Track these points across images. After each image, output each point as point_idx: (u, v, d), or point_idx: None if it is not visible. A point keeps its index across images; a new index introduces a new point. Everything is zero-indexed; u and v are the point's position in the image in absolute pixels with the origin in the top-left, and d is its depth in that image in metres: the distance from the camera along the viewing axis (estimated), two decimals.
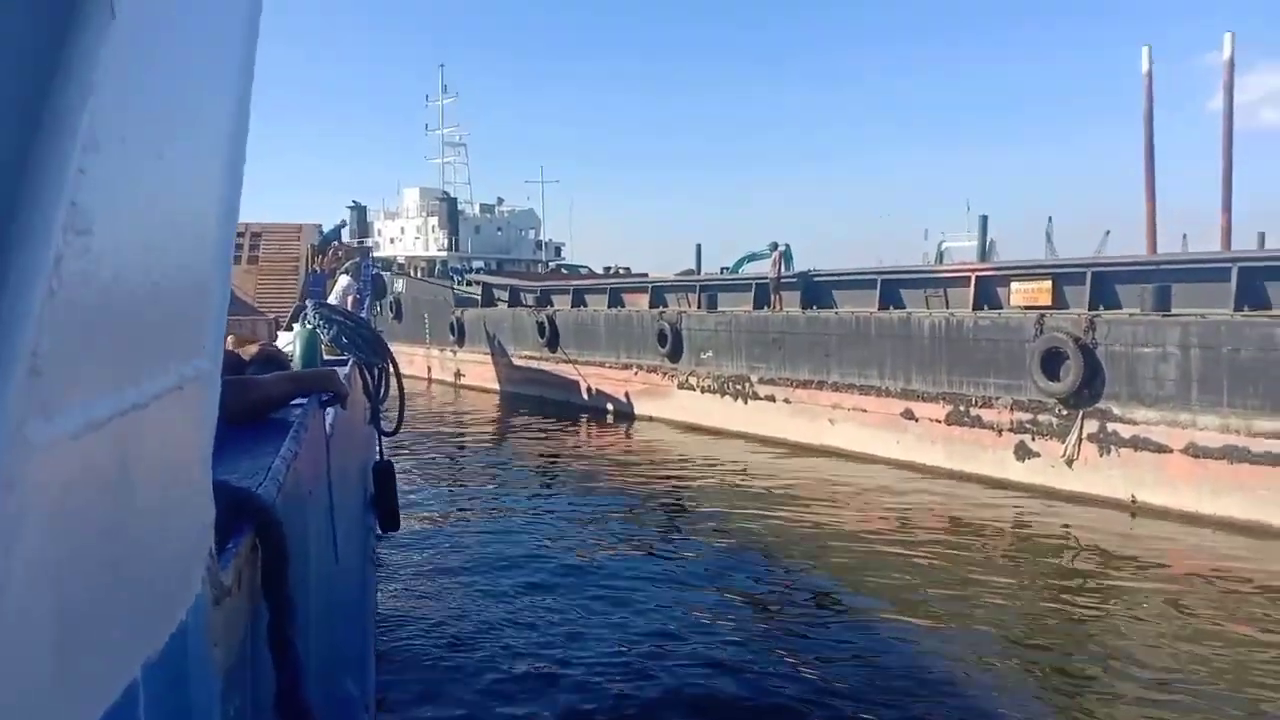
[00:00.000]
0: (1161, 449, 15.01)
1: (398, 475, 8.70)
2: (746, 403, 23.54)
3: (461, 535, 14.25)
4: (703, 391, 24.99)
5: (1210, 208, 24.07)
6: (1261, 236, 34.16)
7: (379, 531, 9.37)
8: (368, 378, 7.77)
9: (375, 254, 60.09)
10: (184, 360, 1.41)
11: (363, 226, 64.86)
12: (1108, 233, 62.43)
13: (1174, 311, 15.50)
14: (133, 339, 1.13)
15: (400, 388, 8.27)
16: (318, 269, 23.44)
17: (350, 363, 7.74)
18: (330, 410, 5.19)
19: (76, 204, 0.88)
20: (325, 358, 7.65)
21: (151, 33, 1.09)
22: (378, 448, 8.66)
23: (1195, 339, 14.65)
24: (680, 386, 25.84)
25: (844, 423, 20.74)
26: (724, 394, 24.27)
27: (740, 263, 42.68)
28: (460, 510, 16.22)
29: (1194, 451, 14.56)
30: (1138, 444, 15.37)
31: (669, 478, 19.08)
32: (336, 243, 29.29)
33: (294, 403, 4.57)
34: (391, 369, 8.23)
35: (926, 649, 9.51)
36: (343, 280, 16.46)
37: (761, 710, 8.15)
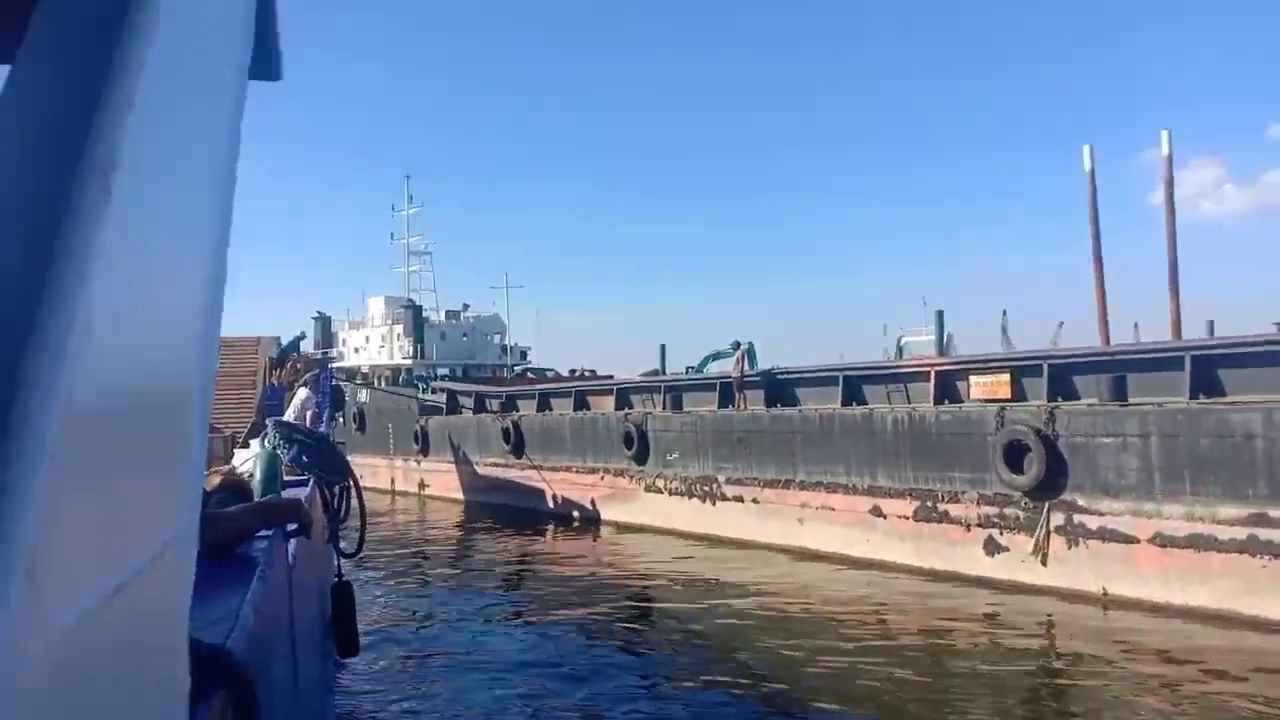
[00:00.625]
0: (1129, 539, 14.96)
1: (358, 594, 8.40)
2: (715, 504, 23.31)
3: (426, 659, 13.73)
4: (670, 494, 24.74)
5: (1159, 297, 24.66)
6: (1211, 324, 34.97)
7: (338, 657, 9.01)
8: (328, 496, 7.65)
9: (340, 364, 59.99)
10: (167, 523, 1.37)
11: (327, 337, 64.64)
12: (1061, 324, 63.73)
13: (1131, 401, 15.66)
14: (120, 506, 1.08)
15: (362, 507, 8.10)
16: (275, 382, 23.22)
17: (311, 482, 7.62)
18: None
19: (73, 392, 0.86)
20: (285, 478, 7.50)
21: (144, 201, 1.09)
22: (336, 565, 8.38)
23: (1154, 428, 14.78)
24: (648, 489, 25.58)
25: (813, 522, 20.54)
26: (692, 496, 24.04)
27: (705, 361, 42.91)
28: (424, 630, 15.70)
29: (1161, 541, 14.52)
30: (1105, 535, 15.32)
31: (638, 586, 18.68)
32: (295, 355, 29.16)
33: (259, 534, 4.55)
34: (353, 487, 8.11)
35: None
36: (301, 393, 16.28)
37: None
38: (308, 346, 60.74)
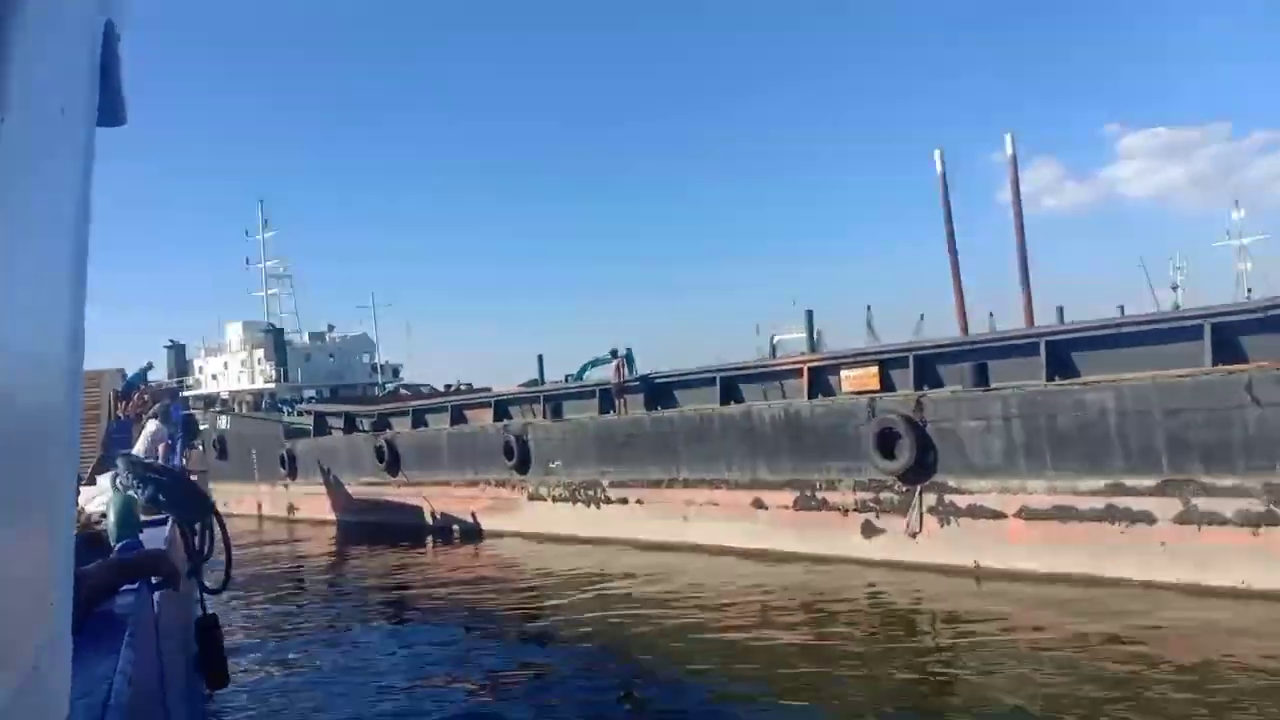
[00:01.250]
0: (997, 515, 15.75)
1: (226, 626, 8.00)
2: (600, 508, 23.30)
3: (303, 683, 13.14)
4: (554, 501, 24.59)
5: (1012, 286, 26.12)
6: (1060, 310, 37.26)
7: (206, 691, 8.55)
8: (189, 534, 7.28)
9: (198, 392, 57.28)
10: (42, 618, 1.33)
11: (181, 365, 61.58)
12: (922, 317, 66.57)
13: (993, 386, 16.51)
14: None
15: (227, 542, 7.70)
16: (122, 415, 22.00)
17: (170, 521, 7.25)
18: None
19: None
20: (143, 517, 7.11)
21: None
22: (199, 600, 7.93)
23: (1015, 409, 15.63)
24: (531, 498, 25.34)
25: (698, 518, 20.79)
26: (576, 501, 23.96)
27: (584, 369, 42.86)
28: (299, 655, 15.05)
29: (1026, 515, 15.35)
30: (975, 512, 16.08)
31: (526, 592, 18.47)
32: (143, 385, 27.63)
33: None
34: (216, 523, 7.76)
35: None
36: (151, 425, 15.30)
37: None
38: (159, 376, 57.82)
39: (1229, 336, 14.75)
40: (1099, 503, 14.48)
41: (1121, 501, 14.24)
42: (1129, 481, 14.19)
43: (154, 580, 4.81)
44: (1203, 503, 13.43)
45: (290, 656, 14.86)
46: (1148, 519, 13.94)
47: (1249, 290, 48.38)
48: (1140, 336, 16.15)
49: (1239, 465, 13.15)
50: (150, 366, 34.31)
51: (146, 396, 23.20)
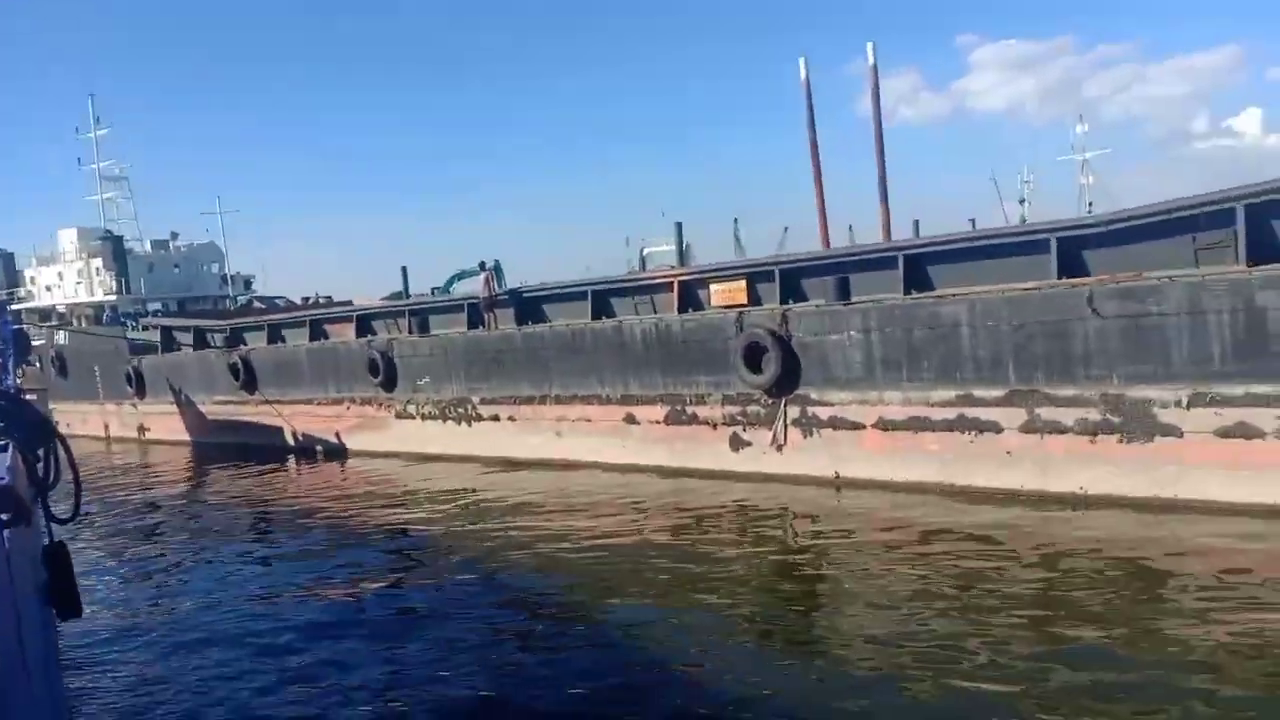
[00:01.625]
0: (856, 426, 16.35)
1: (76, 554, 7.58)
2: (470, 425, 23.04)
3: (159, 614, 12.66)
4: (423, 419, 24.17)
5: (870, 201, 26.68)
6: (916, 224, 38.48)
7: (59, 621, 8.14)
8: (31, 460, 6.84)
9: (31, 305, 53.27)
10: None
11: (11, 276, 57.03)
12: (785, 229, 67.99)
13: (854, 300, 16.91)
14: None
15: (74, 466, 7.28)
16: None
17: (10, 447, 6.78)
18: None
19: None
20: None
21: None
22: (45, 529, 7.48)
23: (874, 323, 16.09)
24: (399, 416, 24.83)
25: (570, 435, 20.83)
26: (446, 419, 23.61)
27: (450, 281, 41.96)
28: (158, 581, 14.49)
29: (883, 425, 15.98)
30: (836, 424, 16.64)
31: (394, 510, 18.25)
32: None
33: None
34: (61, 448, 7.30)
35: (672, 641, 9.70)
36: None
37: None
38: None
39: (1073, 250, 15.46)
40: (951, 413, 15.18)
41: (971, 411, 14.97)
42: (978, 392, 14.90)
43: (3, 516, 4.44)
44: (1046, 412, 14.25)
45: (143, 585, 14.31)
46: (995, 429, 14.72)
47: (1089, 204, 51.03)
48: (991, 250, 16.74)
49: (1079, 375, 13.97)
50: None
51: None
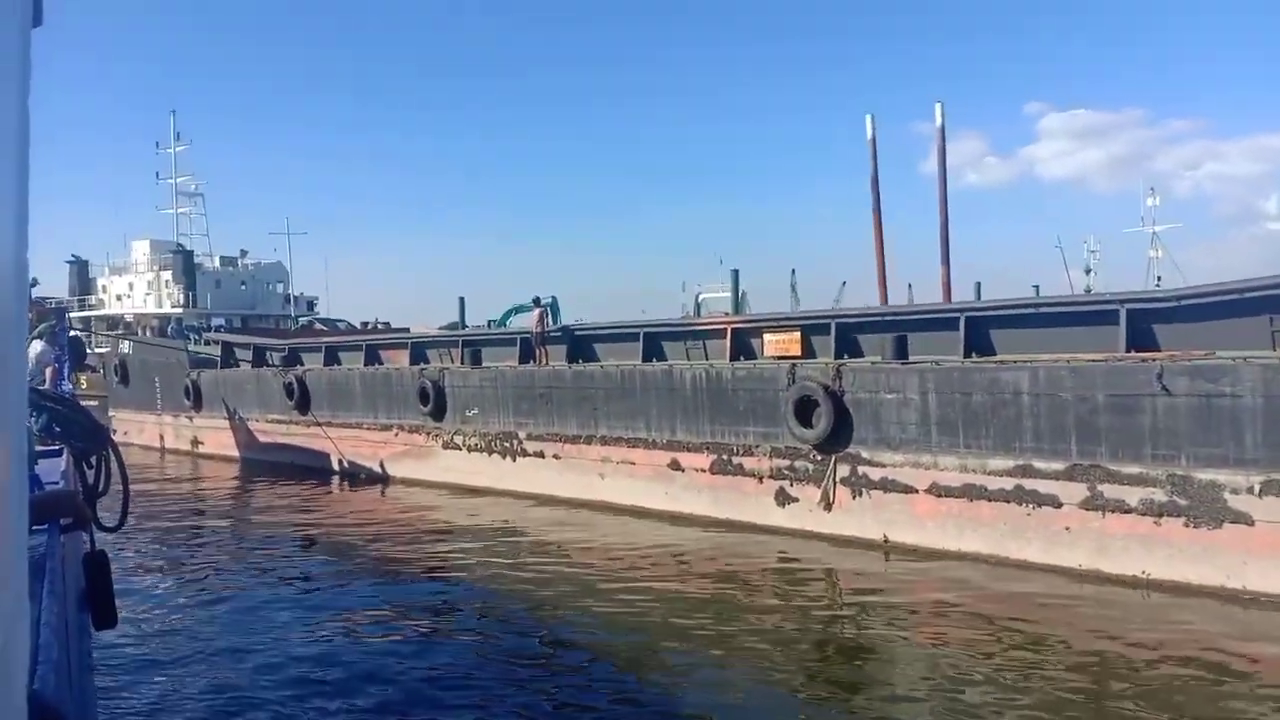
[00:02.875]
0: (908, 489, 15.88)
1: (118, 562, 7.68)
2: (515, 460, 22.96)
3: (187, 628, 12.64)
4: (469, 451, 24.16)
5: (929, 260, 26.34)
6: (978, 286, 37.93)
7: (93, 630, 8.13)
8: (83, 467, 7.00)
9: (101, 312, 54.79)
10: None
11: (84, 283, 58.77)
12: (844, 283, 67.51)
13: (912, 359, 16.54)
14: None
15: (124, 476, 7.39)
16: None
17: (65, 453, 6.96)
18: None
19: None
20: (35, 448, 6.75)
21: None
22: (87, 536, 7.52)
23: (932, 384, 15.69)
24: (445, 446, 24.86)
25: (614, 476, 20.62)
26: (491, 452, 23.56)
27: (507, 315, 42.22)
28: (195, 596, 14.50)
29: (937, 491, 15.50)
30: (886, 486, 16.19)
31: (433, 541, 18.16)
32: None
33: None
34: (113, 456, 7.46)
35: (702, 694, 9.35)
36: (35, 347, 14.30)
37: None
38: (54, 292, 55.02)
39: (1143, 323, 15.00)
40: (1008, 483, 14.67)
41: (1030, 483, 14.45)
42: (1038, 464, 14.39)
43: (63, 522, 4.51)
44: (1108, 489, 13.69)
45: (180, 600, 14.33)
46: (1054, 503, 14.18)
47: (1158, 278, 49.76)
48: (1057, 318, 16.36)
49: (1145, 453, 13.41)
50: (35, 283, 32.44)
51: (31, 316, 21.82)
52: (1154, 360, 13.65)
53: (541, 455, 22.30)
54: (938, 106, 27.48)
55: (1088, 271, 54.79)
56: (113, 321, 52.96)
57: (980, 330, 16.78)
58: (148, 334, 45.72)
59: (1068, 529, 13.99)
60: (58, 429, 7.11)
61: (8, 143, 1.57)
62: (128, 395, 38.97)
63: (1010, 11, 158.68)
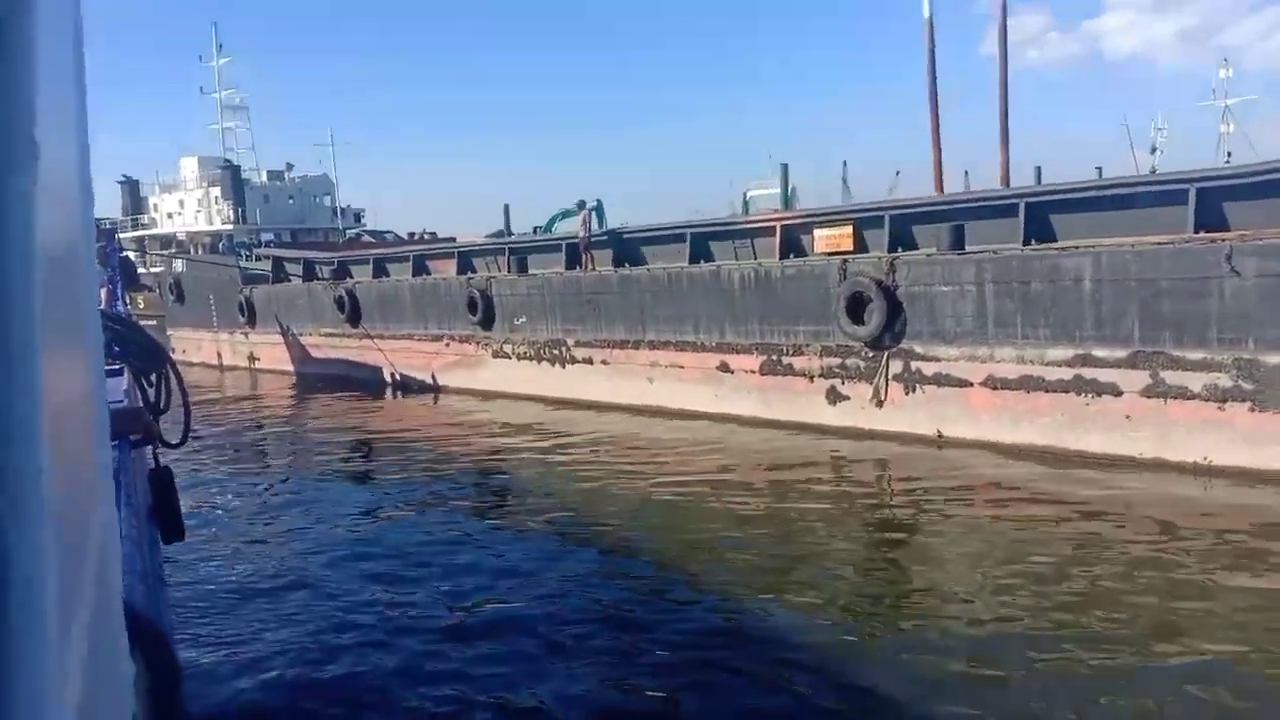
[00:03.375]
0: (963, 383, 15.57)
1: (183, 477, 7.94)
2: (564, 367, 23.01)
3: (261, 538, 13.00)
4: (518, 359, 24.25)
5: (988, 148, 25.30)
6: (1038, 171, 36.51)
7: (163, 543, 8.38)
8: (144, 384, 7.19)
9: (153, 231, 55.57)
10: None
11: (136, 202, 59.55)
12: (898, 173, 65.58)
13: (968, 250, 16.01)
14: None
15: (184, 393, 7.54)
16: None
17: (126, 371, 7.09)
18: None
19: None
20: None
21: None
22: (153, 450, 7.69)
23: (989, 275, 15.20)
24: (495, 355, 24.99)
25: (662, 380, 20.56)
26: (540, 360, 23.63)
27: (553, 220, 41.82)
28: (260, 508, 14.89)
29: (993, 384, 15.17)
30: (940, 380, 15.89)
31: (487, 449, 18.38)
32: None
33: None
34: (172, 374, 7.63)
35: (771, 614, 9.30)
36: None
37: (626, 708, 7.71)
38: (110, 213, 55.80)
39: (1214, 203, 14.28)
40: (1067, 373, 14.29)
41: (1089, 373, 14.05)
42: (1099, 352, 13.96)
43: (133, 439, 4.70)
44: (1171, 375, 13.25)
45: (246, 512, 14.71)
46: (1114, 391, 13.80)
47: (1228, 154, 47.49)
48: (1122, 200, 15.63)
49: (1210, 338, 12.92)
50: None
51: None
52: (1223, 240, 13.02)
53: (590, 361, 22.30)
54: None
55: (1154, 151, 52.59)
56: (165, 240, 53.73)
57: (1040, 216, 16.13)
58: (201, 251, 46.34)
59: (1128, 417, 13.63)
60: (117, 348, 7.24)
61: (66, 66, 1.56)
62: (184, 314, 39.72)
63: None
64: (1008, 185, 22.88)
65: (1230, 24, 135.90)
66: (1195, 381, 13.05)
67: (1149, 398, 13.49)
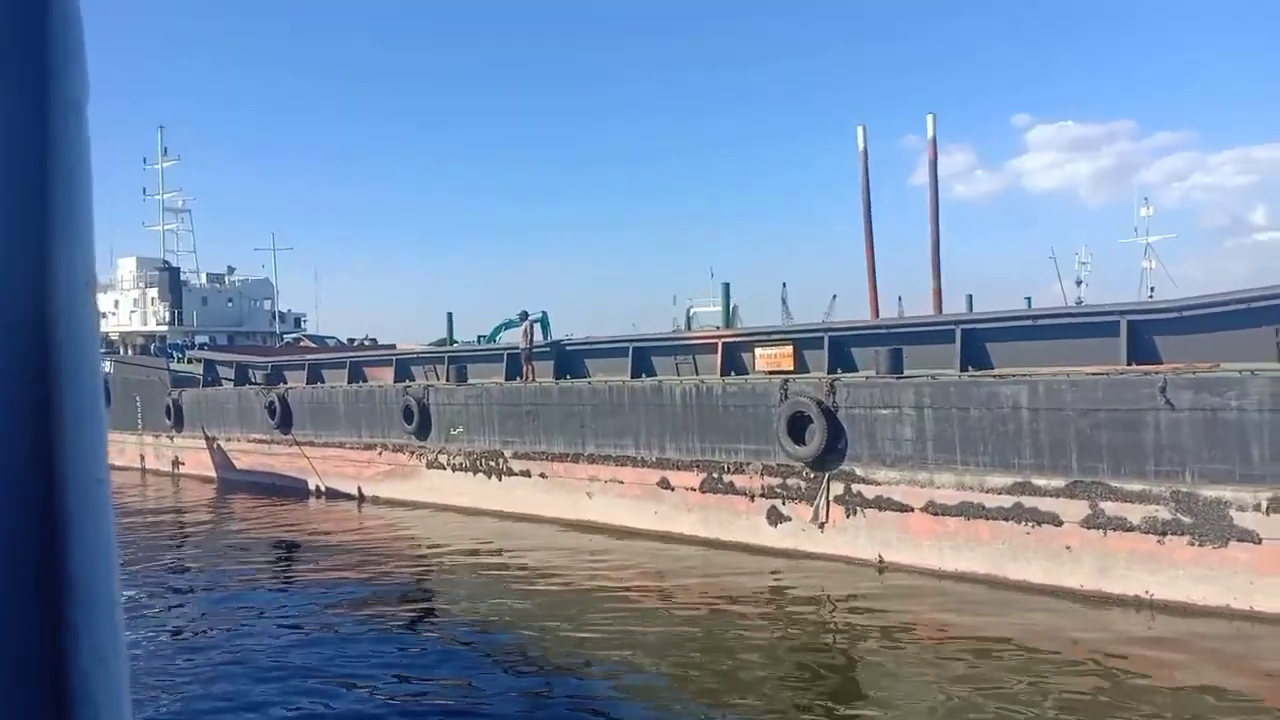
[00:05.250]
0: (904, 508, 15.40)
1: None
2: (500, 479, 22.43)
3: (183, 645, 12.09)
4: (454, 470, 23.61)
5: (919, 274, 25.96)
6: (969, 299, 37.46)
7: None
8: None
9: None
10: None
11: None
12: (834, 296, 67.28)
13: (907, 373, 16.09)
14: None
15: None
16: None
17: None
18: None
19: None
20: None
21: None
22: None
23: (928, 399, 15.24)
24: (430, 465, 24.31)
25: (602, 495, 20.10)
26: (477, 471, 23.02)
27: (497, 330, 41.55)
28: (178, 612, 13.94)
29: (933, 509, 15.02)
30: (881, 504, 15.72)
31: (416, 561, 17.67)
32: None
33: None
34: None
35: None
36: None
37: None
38: None
39: (1143, 335, 14.59)
40: (1007, 501, 14.21)
41: (1029, 501, 14.00)
42: (1038, 480, 13.94)
43: None
44: (1110, 506, 13.24)
45: (168, 617, 13.77)
46: (1054, 520, 13.72)
47: (1151, 289, 49.51)
48: (1055, 330, 15.95)
49: (1148, 470, 12.98)
50: None
51: None
52: (1157, 373, 13.23)
53: (528, 474, 21.78)
54: (929, 118, 27.15)
55: (1079, 283, 54.56)
56: None
57: (977, 343, 16.35)
58: (133, 352, 45.06)
59: (1068, 548, 13.52)
60: None
61: (80, 155, 1.39)
62: (108, 416, 38.26)
63: (997, 23, 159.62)
64: (940, 312, 23.35)
65: (1145, 164, 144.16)
66: (1134, 513, 13.03)
67: (1089, 528, 13.43)
